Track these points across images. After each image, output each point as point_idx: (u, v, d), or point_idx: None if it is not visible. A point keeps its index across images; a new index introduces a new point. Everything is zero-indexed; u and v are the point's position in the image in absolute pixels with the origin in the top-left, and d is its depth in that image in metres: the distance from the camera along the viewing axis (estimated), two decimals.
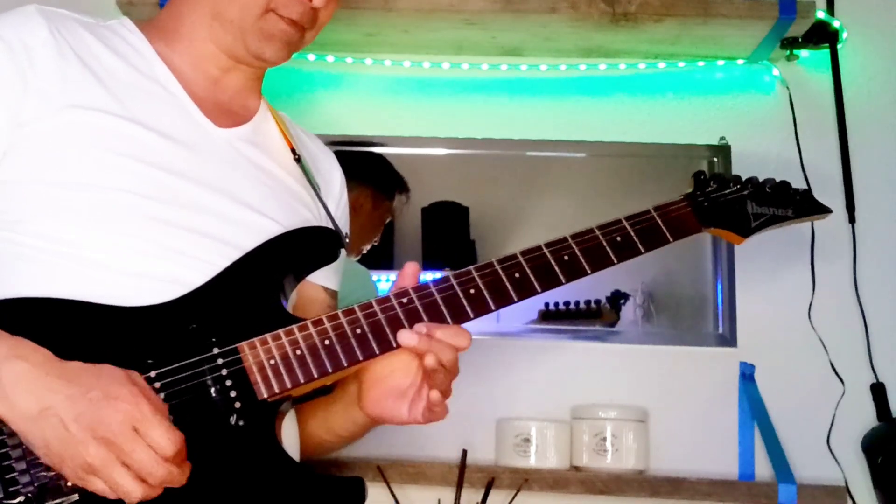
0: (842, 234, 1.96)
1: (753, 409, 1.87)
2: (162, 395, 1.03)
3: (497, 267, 1.17)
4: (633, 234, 1.23)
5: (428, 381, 1.13)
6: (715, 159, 2.02)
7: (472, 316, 1.15)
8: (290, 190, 1.26)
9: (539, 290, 1.17)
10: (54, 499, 0.98)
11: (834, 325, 1.93)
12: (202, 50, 1.24)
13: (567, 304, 1.96)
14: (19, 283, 1.06)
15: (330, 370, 1.10)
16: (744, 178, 1.37)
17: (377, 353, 1.12)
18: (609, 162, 2.06)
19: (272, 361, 1.09)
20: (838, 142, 1.99)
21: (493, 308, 1.15)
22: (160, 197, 1.12)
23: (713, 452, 1.89)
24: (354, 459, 1.75)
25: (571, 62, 2.06)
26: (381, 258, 2.02)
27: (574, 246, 1.20)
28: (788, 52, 2.00)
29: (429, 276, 1.18)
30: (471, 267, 1.17)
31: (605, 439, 1.82)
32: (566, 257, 1.19)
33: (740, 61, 2.04)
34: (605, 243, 1.21)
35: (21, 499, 0.98)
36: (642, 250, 1.23)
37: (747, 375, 1.91)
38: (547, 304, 1.96)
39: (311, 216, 1.27)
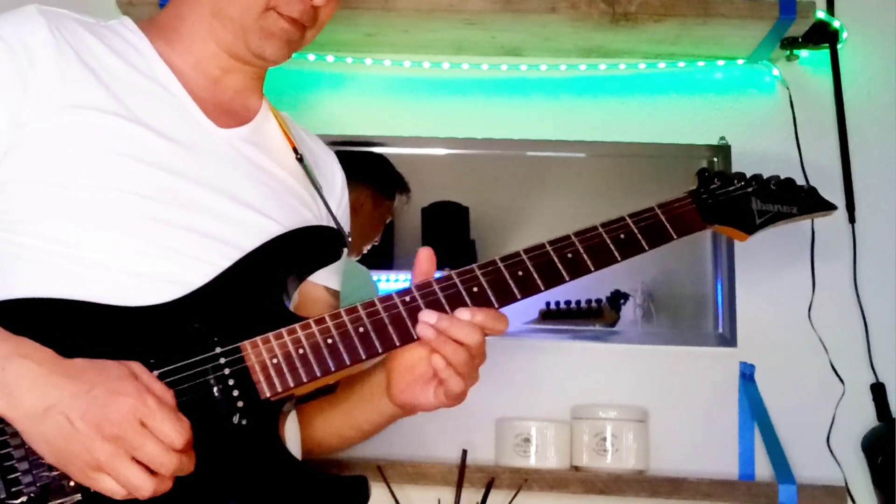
0: (842, 233, 1.96)
1: (753, 409, 1.87)
2: None
3: (500, 265, 1.16)
4: (636, 231, 1.23)
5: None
6: (715, 159, 2.01)
7: None
8: (291, 190, 1.26)
9: (543, 287, 1.17)
10: (57, 499, 0.98)
11: (834, 325, 1.93)
12: (203, 49, 1.24)
13: (567, 303, 1.96)
14: (19, 283, 1.06)
15: (333, 368, 1.10)
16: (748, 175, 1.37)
17: (380, 351, 1.12)
18: (609, 162, 2.05)
19: (275, 360, 1.09)
20: (838, 142, 1.99)
21: (496, 306, 1.15)
22: (160, 197, 1.12)
23: (713, 452, 1.88)
24: (354, 459, 1.75)
25: (571, 62, 2.06)
26: (381, 258, 2.02)
27: (577, 243, 1.19)
28: (788, 52, 2.00)
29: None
30: (474, 265, 1.16)
31: (605, 439, 1.81)
32: (570, 255, 1.19)
33: (740, 61, 2.03)
34: (608, 240, 1.21)
35: (23, 499, 0.98)
36: (646, 248, 1.22)
37: (747, 375, 1.90)
38: (547, 304, 1.96)
39: (311, 216, 1.27)
